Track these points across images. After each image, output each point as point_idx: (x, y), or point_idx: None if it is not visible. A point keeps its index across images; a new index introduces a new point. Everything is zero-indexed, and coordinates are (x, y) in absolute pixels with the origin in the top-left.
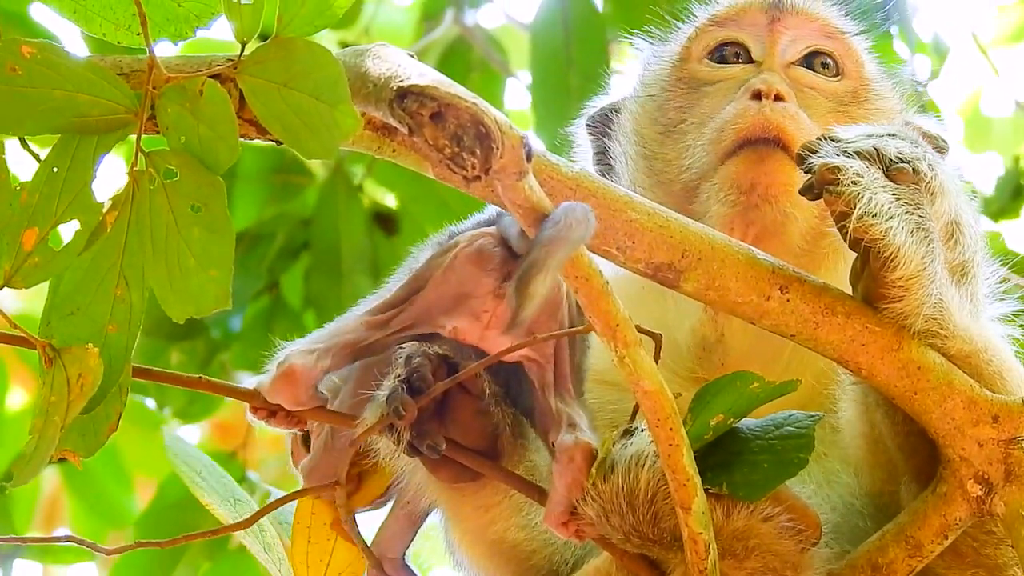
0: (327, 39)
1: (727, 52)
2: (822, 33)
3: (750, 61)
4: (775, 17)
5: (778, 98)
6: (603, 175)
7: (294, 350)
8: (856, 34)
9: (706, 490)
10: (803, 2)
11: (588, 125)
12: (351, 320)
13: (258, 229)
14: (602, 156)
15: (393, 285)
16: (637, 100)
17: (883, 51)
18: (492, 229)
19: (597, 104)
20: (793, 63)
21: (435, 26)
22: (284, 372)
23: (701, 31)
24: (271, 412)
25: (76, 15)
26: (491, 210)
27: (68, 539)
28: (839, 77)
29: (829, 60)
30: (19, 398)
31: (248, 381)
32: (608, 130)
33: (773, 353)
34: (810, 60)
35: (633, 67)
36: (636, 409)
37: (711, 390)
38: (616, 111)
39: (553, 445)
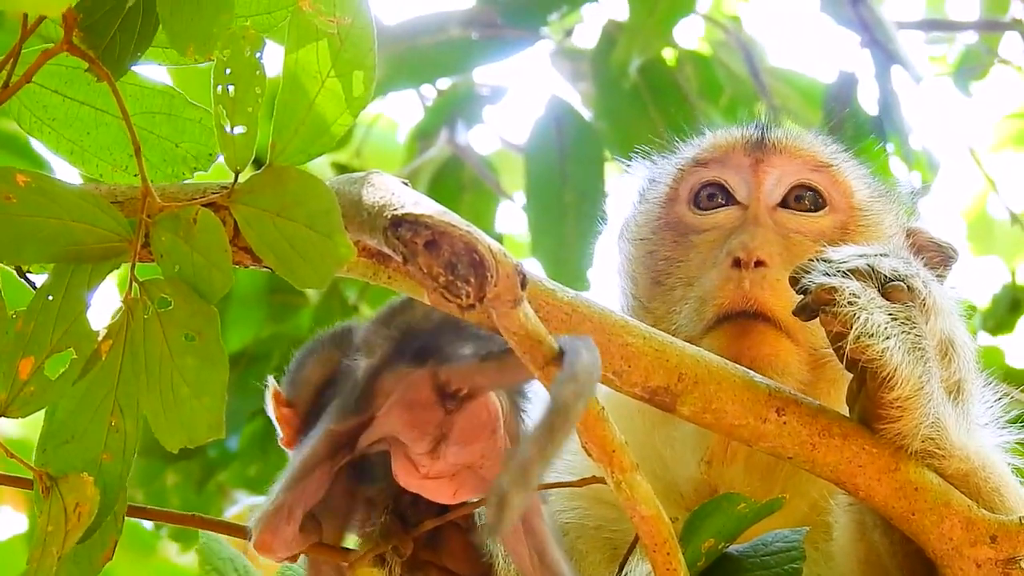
0: (319, 160)
1: (712, 194)
2: (808, 168)
3: (736, 203)
4: (759, 159)
5: (759, 263)
6: None
7: (260, 517)
8: (844, 163)
9: None
10: (787, 139)
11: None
12: (312, 452)
13: (254, 349)
14: None
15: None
16: (631, 240)
17: (879, 169)
18: (426, 372)
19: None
20: (778, 205)
21: (428, 146)
22: (256, 545)
23: (686, 172)
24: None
25: (73, 156)
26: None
27: None
28: (826, 210)
29: (814, 194)
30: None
31: (244, 502)
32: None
33: (766, 492)
34: (795, 196)
35: (631, 186)
36: (635, 541)
37: (699, 515)
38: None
39: None
